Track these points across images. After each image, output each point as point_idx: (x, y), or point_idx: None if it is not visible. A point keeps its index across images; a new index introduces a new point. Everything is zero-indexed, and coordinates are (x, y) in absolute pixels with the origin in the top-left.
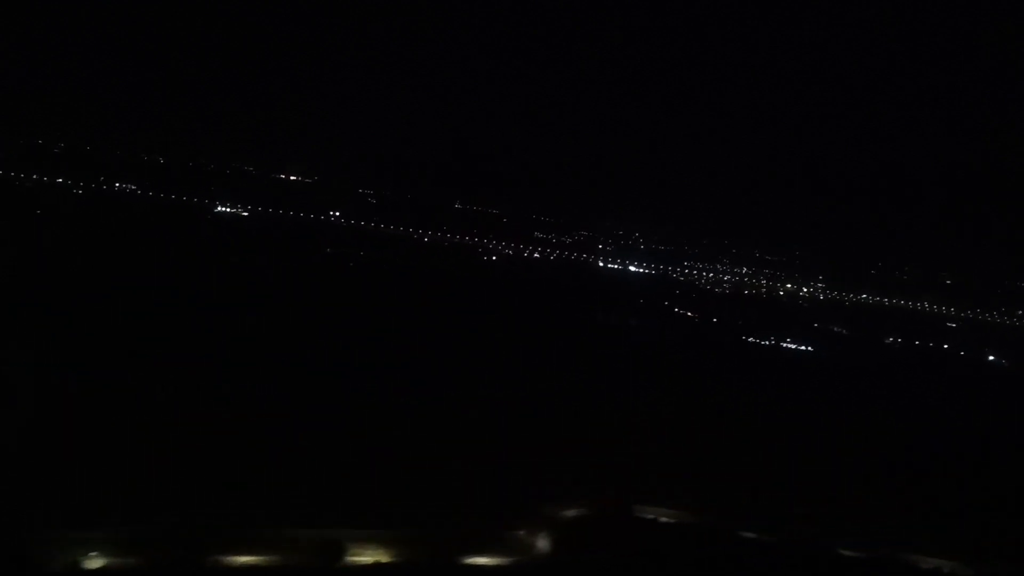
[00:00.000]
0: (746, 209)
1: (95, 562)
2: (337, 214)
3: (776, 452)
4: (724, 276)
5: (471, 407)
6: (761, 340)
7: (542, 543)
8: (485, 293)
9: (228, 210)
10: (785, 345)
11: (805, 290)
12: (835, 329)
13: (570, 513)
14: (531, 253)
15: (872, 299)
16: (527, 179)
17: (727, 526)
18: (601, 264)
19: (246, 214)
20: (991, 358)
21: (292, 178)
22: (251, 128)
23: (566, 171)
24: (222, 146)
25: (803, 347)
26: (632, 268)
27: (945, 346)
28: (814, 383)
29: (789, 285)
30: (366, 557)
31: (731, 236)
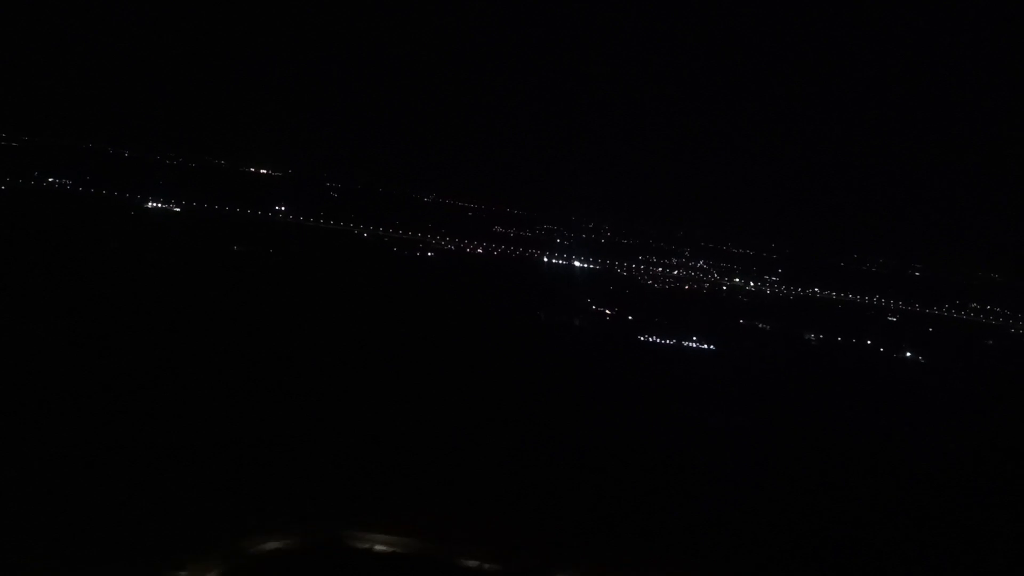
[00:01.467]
0: (707, 199)
1: None
2: (283, 209)
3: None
4: (674, 271)
5: None
6: (659, 338)
7: None
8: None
9: (160, 205)
10: (662, 342)
11: (752, 284)
12: (759, 325)
13: (268, 546)
14: (473, 248)
15: (824, 294)
16: (471, 169)
17: (449, 554)
18: (546, 260)
19: (178, 210)
20: (908, 354)
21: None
22: (189, 114)
23: (512, 162)
24: (154, 135)
25: (702, 345)
26: (577, 264)
27: (868, 342)
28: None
29: (738, 280)
30: None
31: (686, 227)
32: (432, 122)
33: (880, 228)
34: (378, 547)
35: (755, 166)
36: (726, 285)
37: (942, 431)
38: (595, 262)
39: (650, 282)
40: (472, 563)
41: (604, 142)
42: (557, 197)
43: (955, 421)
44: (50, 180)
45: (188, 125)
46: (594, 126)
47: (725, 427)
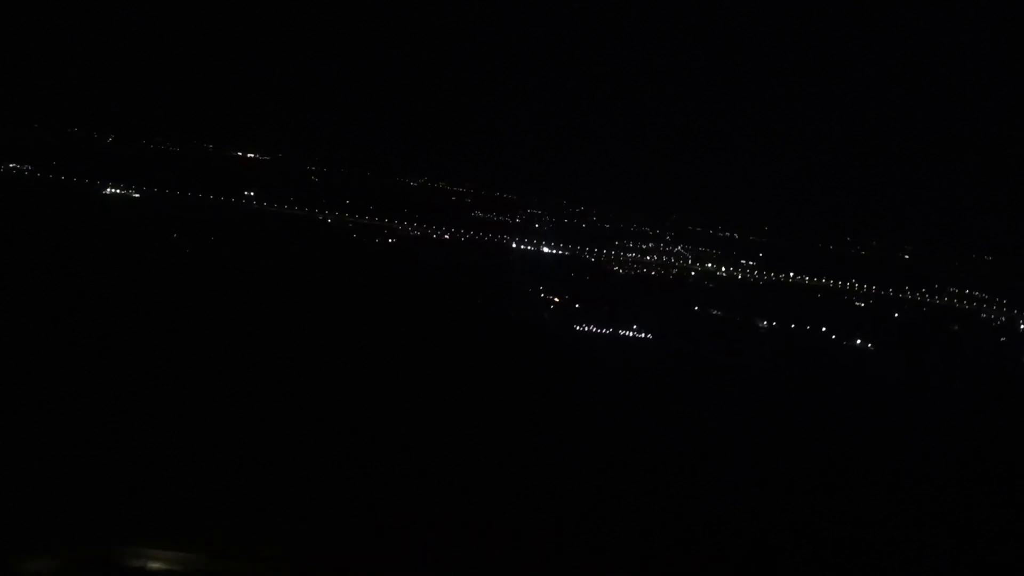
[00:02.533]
0: (701, 182)
1: None
2: (252, 194)
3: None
4: (647, 256)
5: None
6: (595, 327)
7: None
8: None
9: (118, 191)
10: (598, 331)
11: (725, 270)
12: (714, 312)
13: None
14: (440, 234)
15: (798, 279)
16: (460, 153)
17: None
18: (515, 246)
19: (138, 196)
20: (858, 341)
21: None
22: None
23: (500, 146)
24: (111, 119)
25: (638, 334)
26: (545, 250)
27: (823, 329)
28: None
29: (710, 265)
30: None
31: (678, 212)
32: (425, 107)
33: (877, 210)
34: (153, 564)
35: (752, 149)
36: (695, 271)
37: (884, 420)
38: (564, 248)
39: (616, 268)
40: None
41: (596, 126)
42: (544, 182)
43: (898, 410)
44: (10, 166)
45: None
46: (585, 110)
47: (647, 419)
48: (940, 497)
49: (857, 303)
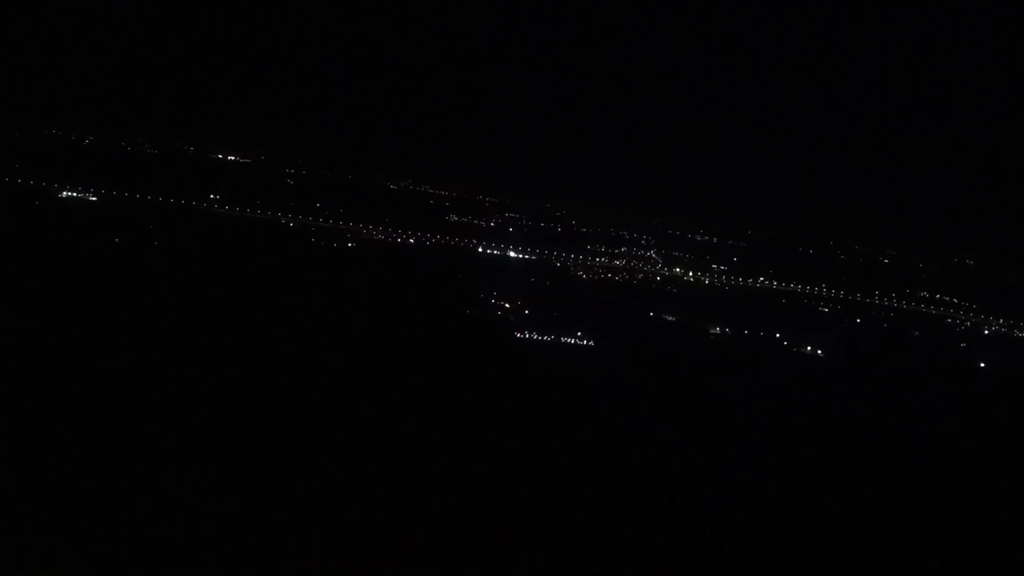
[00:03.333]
0: (688, 185)
1: None
2: (217, 197)
3: None
4: (617, 260)
5: None
6: (536, 334)
7: None
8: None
9: (74, 195)
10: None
11: (693, 275)
12: (668, 318)
13: None
14: (405, 239)
15: (765, 284)
16: (445, 156)
17: None
18: (481, 250)
19: (95, 199)
20: (808, 348)
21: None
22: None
23: (485, 148)
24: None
25: (580, 341)
26: (512, 254)
27: (777, 335)
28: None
29: (678, 270)
30: None
31: (662, 215)
32: (398, 105)
33: (861, 214)
34: None
35: (736, 150)
36: (661, 276)
37: (827, 426)
38: (531, 252)
39: (580, 273)
40: None
41: (583, 127)
42: (525, 184)
43: (844, 416)
44: None
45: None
46: (574, 110)
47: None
48: (890, 504)
49: (822, 308)
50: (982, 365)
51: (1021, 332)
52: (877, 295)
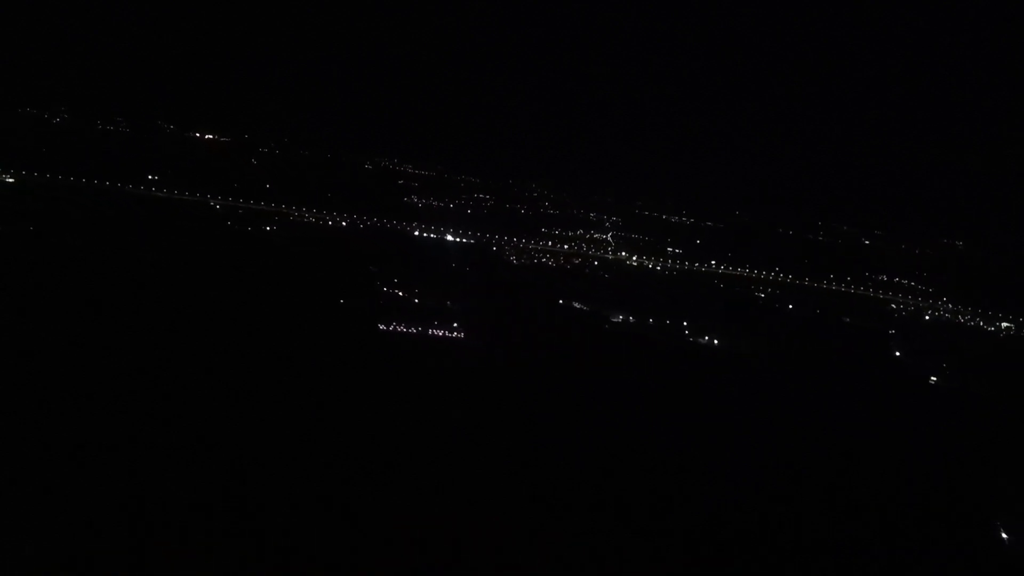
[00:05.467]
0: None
1: None
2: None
3: None
4: (564, 244)
5: None
6: (403, 326)
7: None
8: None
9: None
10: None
11: (636, 260)
12: (576, 305)
13: None
14: (336, 221)
15: (708, 268)
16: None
17: None
18: (417, 234)
19: (11, 180)
20: (705, 338)
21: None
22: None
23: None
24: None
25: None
26: (449, 237)
27: (684, 324)
28: None
29: (623, 254)
30: None
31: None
32: (345, 82)
33: (824, 199)
34: None
35: (726, 132)
36: (598, 261)
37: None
38: (471, 235)
39: (512, 258)
40: None
41: (556, 102)
42: (499, 168)
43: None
44: None
45: None
46: (547, 87)
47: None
48: (796, 494)
49: (759, 294)
50: (897, 354)
51: (964, 319)
52: (831, 280)
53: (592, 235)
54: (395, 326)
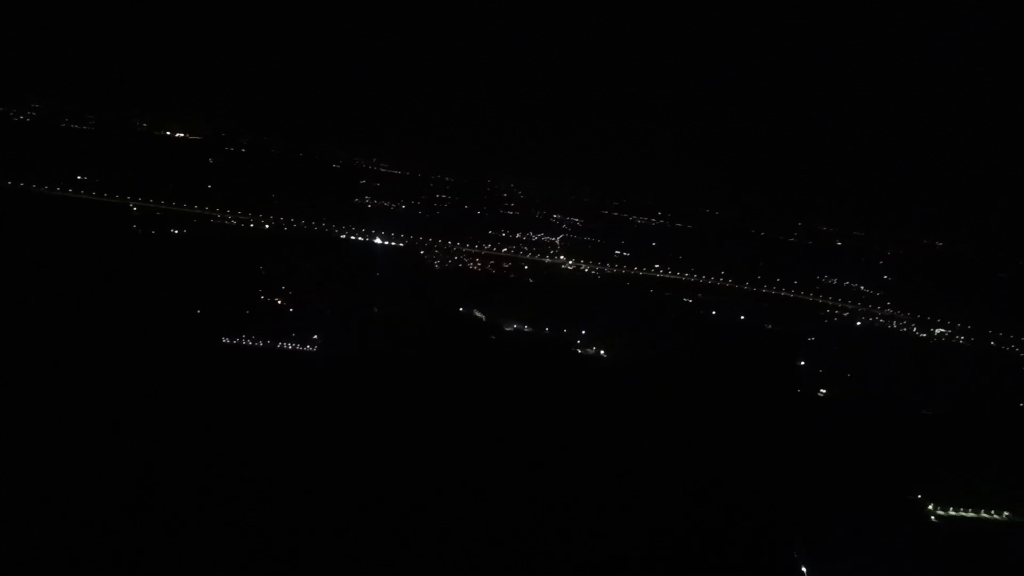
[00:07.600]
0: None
1: None
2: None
3: None
4: (503, 248)
5: None
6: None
7: None
8: None
9: None
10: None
11: (572, 264)
12: (476, 313)
13: None
14: (259, 223)
15: (648, 272)
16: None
17: None
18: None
19: None
20: (593, 349)
21: None
22: None
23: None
24: None
25: None
26: (377, 241)
27: (582, 333)
28: None
29: (562, 257)
30: None
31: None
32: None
33: (796, 200)
34: None
35: (707, 128)
36: (529, 265)
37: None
38: (401, 239)
39: (435, 262)
40: None
41: (523, 97)
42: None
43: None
44: None
45: None
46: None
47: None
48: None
49: (686, 300)
50: (801, 363)
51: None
52: (775, 285)
53: (541, 237)
54: (243, 337)
